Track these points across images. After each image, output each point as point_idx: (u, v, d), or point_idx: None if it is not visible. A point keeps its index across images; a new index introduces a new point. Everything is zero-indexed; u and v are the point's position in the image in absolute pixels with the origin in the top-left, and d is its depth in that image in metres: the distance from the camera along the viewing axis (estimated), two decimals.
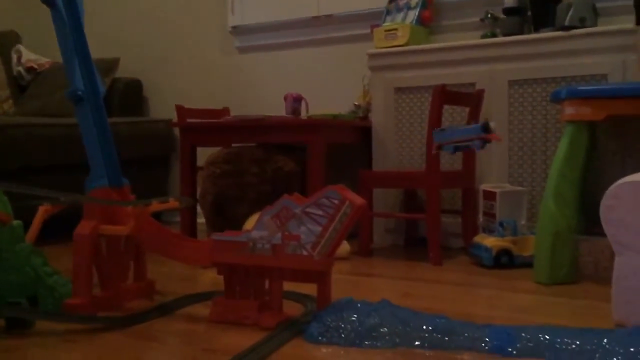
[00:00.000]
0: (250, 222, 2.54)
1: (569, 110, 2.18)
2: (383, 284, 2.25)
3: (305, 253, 1.64)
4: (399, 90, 3.07)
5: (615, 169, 2.50)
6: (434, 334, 1.51)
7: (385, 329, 1.53)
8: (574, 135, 2.19)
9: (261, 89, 3.82)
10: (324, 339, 1.54)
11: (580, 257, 2.26)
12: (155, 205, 1.91)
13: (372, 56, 3.12)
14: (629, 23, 2.49)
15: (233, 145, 3.15)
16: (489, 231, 2.61)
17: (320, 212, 1.64)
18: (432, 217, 2.56)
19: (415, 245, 3.01)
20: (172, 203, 2.00)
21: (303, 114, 3.22)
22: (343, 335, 1.53)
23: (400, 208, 3.07)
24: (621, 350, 1.34)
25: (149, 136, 3.81)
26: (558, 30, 2.68)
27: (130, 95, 4.09)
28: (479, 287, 2.18)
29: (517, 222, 2.53)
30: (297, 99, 3.20)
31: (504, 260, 2.46)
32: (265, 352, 1.47)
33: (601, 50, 2.59)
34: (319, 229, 1.63)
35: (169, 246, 1.81)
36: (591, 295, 2.01)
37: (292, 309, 1.82)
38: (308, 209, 1.65)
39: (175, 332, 1.67)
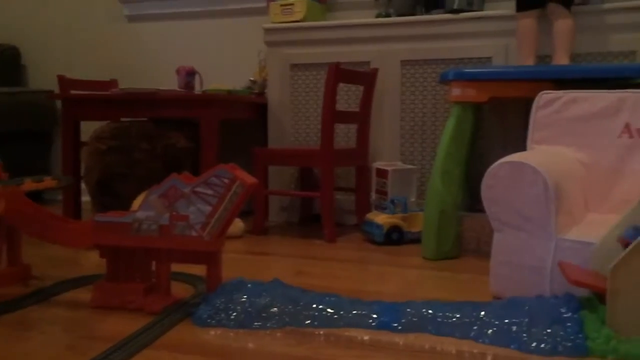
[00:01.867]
0: (139, 202, 2.43)
1: (456, 91, 2.26)
2: (277, 262, 2.24)
3: (194, 234, 1.58)
4: (295, 66, 3.04)
5: (497, 149, 2.63)
6: (324, 312, 1.52)
7: (276, 309, 1.52)
8: (460, 116, 2.28)
9: (152, 61, 3.65)
10: (213, 322, 1.50)
11: (464, 232, 2.37)
12: (29, 185, 1.77)
13: (268, 31, 3.06)
14: (512, 9, 2.60)
15: (121, 120, 2.99)
16: (381, 208, 2.67)
17: (210, 192, 1.59)
18: (326, 195, 2.58)
19: (310, 222, 3.03)
20: (48, 182, 1.86)
21: (197, 89, 3.11)
22: (233, 317, 1.50)
23: (296, 185, 3.07)
24: (496, 322, 1.42)
25: (27, 108, 3.54)
26: (448, 12, 2.76)
27: (5, 64, 3.77)
28: (371, 263, 2.23)
29: (408, 200, 2.61)
30: (191, 73, 3.09)
31: (395, 237, 2.53)
32: (149, 337, 1.42)
33: (486, 34, 2.70)
34: (208, 208, 1.58)
35: (46, 229, 1.69)
36: (473, 270, 2.11)
37: (181, 291, 1.77)
38: (197, 189, 1.59)
39: (53, 320, 1.56)
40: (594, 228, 1.65)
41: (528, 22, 2.45)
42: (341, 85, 2.82)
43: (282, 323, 1.49)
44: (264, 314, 1.51)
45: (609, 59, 2.53)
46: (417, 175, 2.76)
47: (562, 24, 2.42)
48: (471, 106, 2.29)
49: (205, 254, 1.60)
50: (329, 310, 1.53)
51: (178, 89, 3.01)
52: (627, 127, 1.92)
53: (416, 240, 2.49)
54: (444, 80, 2.36)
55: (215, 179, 1.58)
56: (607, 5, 2.50)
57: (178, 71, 3.09)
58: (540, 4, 2.45)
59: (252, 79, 3.21)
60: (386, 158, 2.90)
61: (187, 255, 1.61)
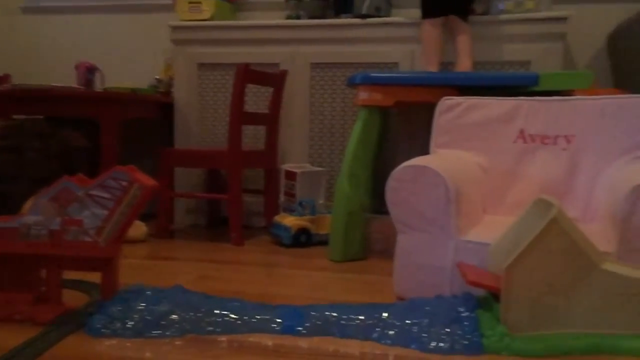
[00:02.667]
0: (29, 205, 2.27)
1: (363, 95, 2.28)
2: (181, 267, 2.17)
3: (88, 239, 1.50)
4: (202, 66, 2.97)
5: (403, 152, 2.69)
6: (226, 318, 1.48)
7: (176, 316, 1.47)
8: (367, 119, 2.30)
9: (50, 56, 3.45)
10: (108, 332, 1.42)
11: (371, 234, 2.40)
12: None
13: (174, 29, 2.97)
14: (419, 16, 2.66)
15: (13, 117, 2.79)
16: (290, 211, 2.66)
17: (107, 195, 1.51)
18: (233, 197, 2.53)
19: (217, 225, 2.97)
20: None
21: (97, 86, 2.96)
22: (129, 326, 1.43)
23: (203, 187, 3.00)
24: (398, 323, 1.44)
25: None
26: (356, 17, 2.79)
27: None
28: (278, 266, 2.20)
29: (316, 202, 2.61)
30: (91, 69, 2.94)
31: (303, 239, 2.53)
32: (38, 349, 1.32)
33: (393, 40, 2.75)
34: (104, 212, 1.50)
35: None
36: (379, 271, 2.14)
37: (74, 300, 1.66)
38: (92, 192, 1.50)
39: None
40: (491, 229, 1.71)
41: (432, 29, 2.52)
42: (250, 86, 2.79)
43: (182, 331, 1.44)
44: (163, 322, 1.45)
45: (507, 68, 2.65)
46: (325, 178, 2.77)
47: (462, 34, 2.51)
48: (378, 110, 2.32)
49: (101, 260, 1.52)
50: (232, 315, 1.49)
51: (77, 86, 2.86)
52: (521, 132, 2.01)
53: (324, 242, 2.50)
54: (352, 83, 2.38)
55: (112, 181, 1.50)
56: (504, 17, 2.62)
57: (77, 67, 2.94)
58: (444, 13, 2.53)
59: (157, 77, 3.11)
60: (295, 160, 2.90)
61: (81, 262, 1.52)
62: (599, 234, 1.64)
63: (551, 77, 2.17)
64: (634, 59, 2.27)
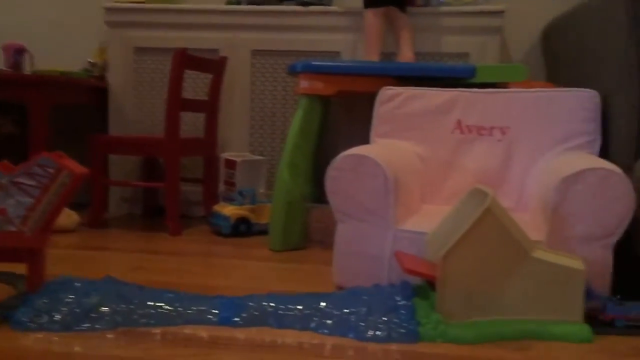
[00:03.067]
0: None
1: (304, 83, 2.27)
2: (114, 257, 2.10)
3: (13, 228, 1.42)
4: (139, 50, 2.88)
5: (344, 141, 2.69)
6: (160, 310, 1.44)
7: (106, 308, 1.41)
8: (308, 108, 2.29)
9: None
10: (34, 326, 1.36)
11: (311, 224, 2.39)
12: None
13: (109, 10, 2.86)
14: (361, 5, 2.66)
15: None
16: (229, 200, 2.61)
17: (33, 183, 1.43)
18: (171, 186, 2.47)
19: (154, 215, 2.89)
20: None
21: (26, 69, 2.82)
22: (57, 320, 1.37)
23: (140, 175, 2.91)
24: (336, 312, 1.43)
25: None
26: (299, 4, 2.76)
27: None
28: (217, 256, 2.17)
29: (256, 191, 2.58)
30: (20, 51, 2.79)
31: (242, 229, 2.50)
32: None
33: (336, 29, 2.74)
34: (30, 200, 1.43)
35: None
36: (318, 261, 2.14)
37: None
38: (17, 179, 1.43)
39: None
40: (428, 219, 1.73)
41: (374, 19, 2.52)
42: (189, 72, 2.72)
43: (113, 324, 1.39)
44: (93, 315, 1.39)
45: (446, 59, 2.69)
46: (266, 167, 2.74)
47: (402, 25, 2.53)
48: (319, 99, 2.31)
49: (26, 250, 1.44)
50: (166, 307, 1.45)
51: (4, 69, 2.71)
52: (458, 123, 2.04)
53: (264, 232, 2.47)
54: (293, 72, 2.36)
55: (38, 168, 1.43)
56: (444, 9, 2.65)
57: (5, 48, 2.78)
58: (385, 4, 2.53)
59: (91, 60, 2.99)
60: (235, 149, 2.85)
61: (4, 253, 1.44)
62: (530, 223, 1.69)
63: (488, 69, 2.22)
64: (565, 54, 2.34)
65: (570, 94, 1.93)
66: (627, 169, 1.67)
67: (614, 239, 1.52)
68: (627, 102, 1.71)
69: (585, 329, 1.40)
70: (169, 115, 2.44)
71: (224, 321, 1.43)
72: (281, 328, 1.42)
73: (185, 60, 2.44)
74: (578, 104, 1.91)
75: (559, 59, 2.45)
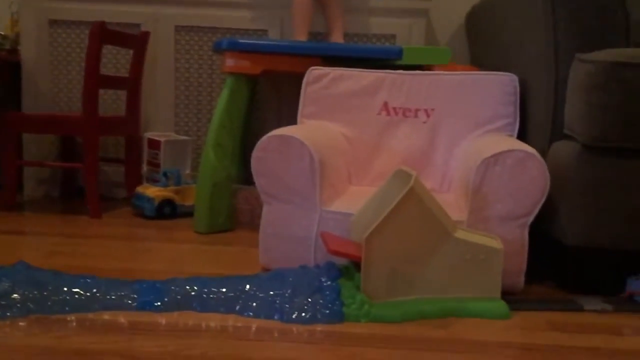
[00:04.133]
0: None
1: (230, 62, 2.21)
2: (28, 242, 1.99)
3: None
4: (54, 22, 2.72)
5: (271, 122, 2.66)
6: (76, 296, 1.38)
7: (17, 295, 1.34)
8: (234, 87, 2.24)
9: None
10: None
11: (238, 205, 2.36)
12: None
13: None
14: None
15: None
16: (153, 181, 2.54)
17: None
18: (90, 166, 2.36)
19: (73, 196, 2.76)
20: None
21: None
22: None
23: (57, 156, 2.77)
24: (261, 295, 1.42)
25: None
26: None
27: None
28: (140, 239, 2.10)
29: (181, 172, 2.51)
30: None
31: (167, 211, 2.43)
32: None
33: (263, 6, 2.69)
34: None
35: None
36: (245, 242, 2.11)
37: None
38: None
39: None
40: (354, 200, 1.74)
41: None
42: (109, 47, 2.60)
43: (25, 311, 1.31)
44: (3, 302, 1.31)
45: (374, 41, 2.70)
46: (191, 147, 2.67)
47: (332, 6, 2.50)
48: (245, 78, 2.26)
49: None
50: (82, 293, 1.39)
51: None
52: (385, 105, 2.06)
53: (190, 214, 2.42)
54: (218, 49, 2.29)
55: None
56: None
57: None
58: None
59: (2, 33, 2.80)
60: (159, 128, 2.76)
61: None
62: (453, 204, 1.73)
63: (413, 51, 2.24)
64: (487, 38, 2.40)
65: (491, 77, 1.98)
66: (543, 152, 1.74)
67: (530, 218, 1.58)
68: (543, 86, 1.78)
69: (502, 305, 1.45)
70: (87, 92, 2.32)
71: (144, 306, 1.38)
72: (205, 312, 1.39)
73: (104, 34, 2.32)
74: (499, 88, 1.96)
75: (482, 42, 2.51)
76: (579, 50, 1.62)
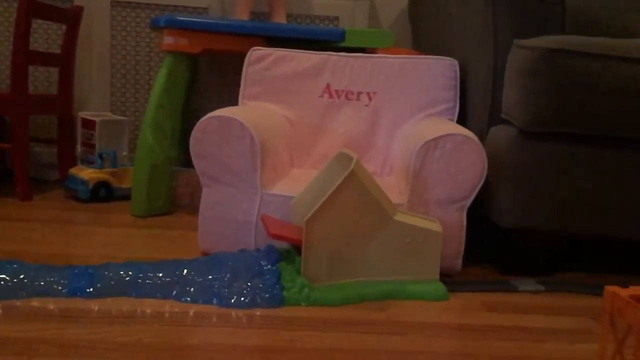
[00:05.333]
0: None
1: (168, 40, 2.14)
2: None
3: None
4: None
5: (212, 102, 2.60)
6: (3, 283, 1.31)
7: None
8: (172, 66, 2.17)
9: None
10: None
11: (177, 188, 2.30)
12: None
13: None
14: None
15: None
16: (88, 162, 2.44)
17: None
18: (19, 147, 2.24)
19: (1, 179, 2.63)
20: None
21: None
22: None
23: None
24: (199, 279, 1.39)
25: None
26: None
27: None
28: (73, 223, 2.01)
29: (118, 153, 2.43)
30: None
31: (102, 194, 2.34)
32: None
33: None
34: None
35: None
36: (185, 226, 2.06)
37: None
38: None
39: None
40: (296, 182, 1.72)
41: None
42: (40, 22, 2.47)
43: None
44: None
45: (317, 22, 2.67)
46: (129, 128, 2.58)
47: None
48: (185, 57, 2.19)
49: None
50: (9, 279, 1.32)
51: None
52: (327, 87, 2.04)
53: (127, 196, 2.34)
54: (155, 26, 2.21)
55: None
56: None
57: None
58: None
59: None
60: (94, 108, 2.65)
61: None
62: (393, 187, 1.74)
63: (356, 33, 2.23)
64: (429, 21, 2.41)
65: (431, 61, 1.99)
66: (482, 136, 1.77)
67: (468, 201, 1.60)
68: (482, 70, 1.80)
69: (440, 287, 1.48)
70: (15, 69, 2.20)
71: (75, 292, 1.32)
72: (140, 297, 1.35)
73: (33, 7, 2.20)
74: (439, 72, 1.98)
75: (424, 26, 2.52)
76: (517, 37, 1.65)
